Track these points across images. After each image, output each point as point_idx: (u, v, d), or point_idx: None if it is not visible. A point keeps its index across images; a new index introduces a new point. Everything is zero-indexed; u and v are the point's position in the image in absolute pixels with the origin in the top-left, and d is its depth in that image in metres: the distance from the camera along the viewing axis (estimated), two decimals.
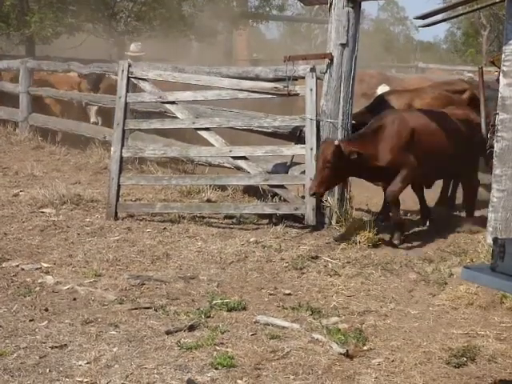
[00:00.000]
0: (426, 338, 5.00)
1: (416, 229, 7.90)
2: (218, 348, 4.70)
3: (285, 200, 8.13)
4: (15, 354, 4.52)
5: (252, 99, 8.86)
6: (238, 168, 8.60)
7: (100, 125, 12.24)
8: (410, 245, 7.31)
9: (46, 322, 5.07)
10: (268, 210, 8.02)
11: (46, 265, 6.37)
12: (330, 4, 7.81)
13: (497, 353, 4.76)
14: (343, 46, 7.76)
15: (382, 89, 11.43)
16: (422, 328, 5.21)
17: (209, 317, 5.24)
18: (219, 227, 7.91)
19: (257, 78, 8.76)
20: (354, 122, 7.96)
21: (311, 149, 7.74)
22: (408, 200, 8.16)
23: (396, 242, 7.32)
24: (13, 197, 8.96)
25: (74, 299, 5.57)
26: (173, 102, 8.44)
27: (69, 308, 5.37)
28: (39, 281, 5.96)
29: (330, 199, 7.76)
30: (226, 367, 4.42)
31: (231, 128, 8.64)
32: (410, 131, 7.37)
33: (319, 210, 7.75)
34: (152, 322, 5.11)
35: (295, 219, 7.93)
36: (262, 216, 8.15)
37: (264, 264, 6.66)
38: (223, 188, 9.19)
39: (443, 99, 8.86)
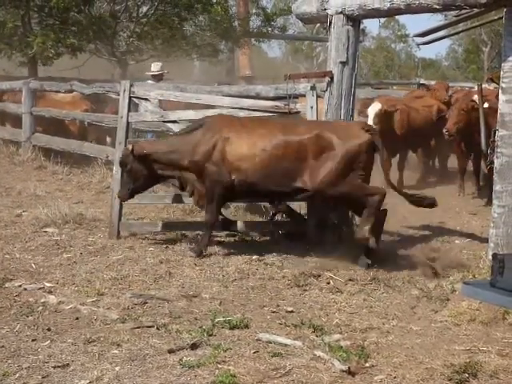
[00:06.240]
0: (428, 354, 4.99)
1: (418, 245, 7.92)
2: (220, 366, 4.69)
3: (287, 217, 8.15)
4: (17, 374, 4.52)
5: None
6: None
7: None
8: (411, 261, 7.31)
9: (49, 341, 5.07)
10: (270, 228, 8.03)
11: (48, 284, 6.38)
12: (330, 22, 7.86)
13: (499, 369, 4.74)
14: (343, 64, 7.81)
15: (374, 106, 11.48)
16: (424, 344, 5.20)
17: (211, 335, 5.23)
18: (222, 245, 7.92)
19: (258, 97, 8.82)
20: None
21: None
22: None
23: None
24: (16, 217, 9.00)
25: (77, 318, 5.56)
26: (174, 121, 8.48)
27: (71, 327, 5.37)
28: (42, 300, 5.95)
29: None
30: None
31: None
32: None
33: (322, 227, 7.76)
34: (154, 341, 5.11)
35: (297, 236, 7.94)
36: (264, 233, 8.16)
37: (266, 281, 6.66)
38: (225, 206, 9.19)
39: None
